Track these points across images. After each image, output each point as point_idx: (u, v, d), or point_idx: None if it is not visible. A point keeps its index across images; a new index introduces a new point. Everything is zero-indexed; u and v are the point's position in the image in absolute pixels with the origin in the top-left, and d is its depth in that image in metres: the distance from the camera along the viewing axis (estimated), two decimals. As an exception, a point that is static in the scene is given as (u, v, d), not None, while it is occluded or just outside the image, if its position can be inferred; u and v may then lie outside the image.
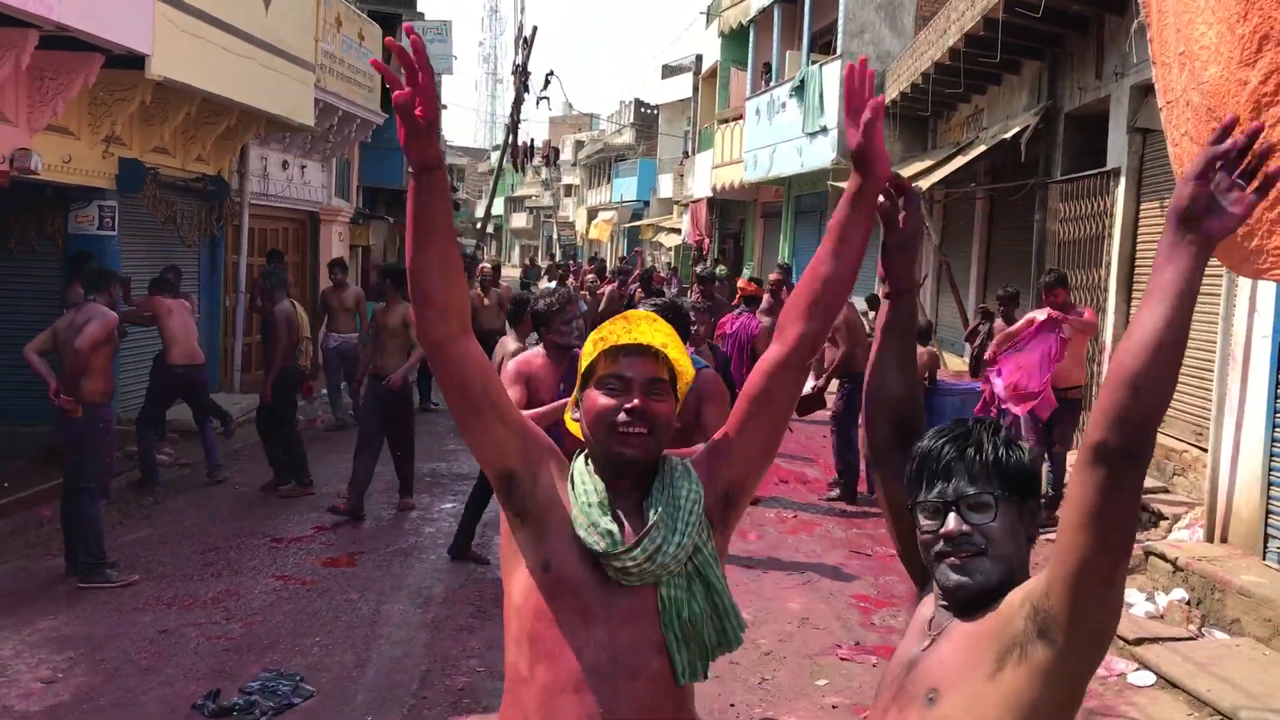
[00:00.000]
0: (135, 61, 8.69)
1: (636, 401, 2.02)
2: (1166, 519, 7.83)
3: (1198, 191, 1.52)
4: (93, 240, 10.16)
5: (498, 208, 57.95)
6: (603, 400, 2.04)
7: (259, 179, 13.98)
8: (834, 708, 5.21)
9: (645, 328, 2.09)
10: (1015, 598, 1.65)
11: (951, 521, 1.72)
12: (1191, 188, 1.53)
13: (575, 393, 2.17)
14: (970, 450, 1.75)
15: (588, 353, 2.12)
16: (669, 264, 32.61)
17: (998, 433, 1.79)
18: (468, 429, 2.04)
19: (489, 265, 16.42)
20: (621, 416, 2.01)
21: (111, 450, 7.02)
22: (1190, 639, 5.99)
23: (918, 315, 2.13)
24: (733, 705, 5.23)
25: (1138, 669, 5.71)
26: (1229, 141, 1.52)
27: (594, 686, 1.93)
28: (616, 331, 2.09)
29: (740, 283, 11.82)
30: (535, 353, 5.55)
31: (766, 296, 11.42)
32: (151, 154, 10.82)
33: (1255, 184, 1.52)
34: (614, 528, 1.96)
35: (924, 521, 1.77)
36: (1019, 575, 1.71)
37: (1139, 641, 5.91)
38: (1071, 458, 9.45)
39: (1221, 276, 7.24)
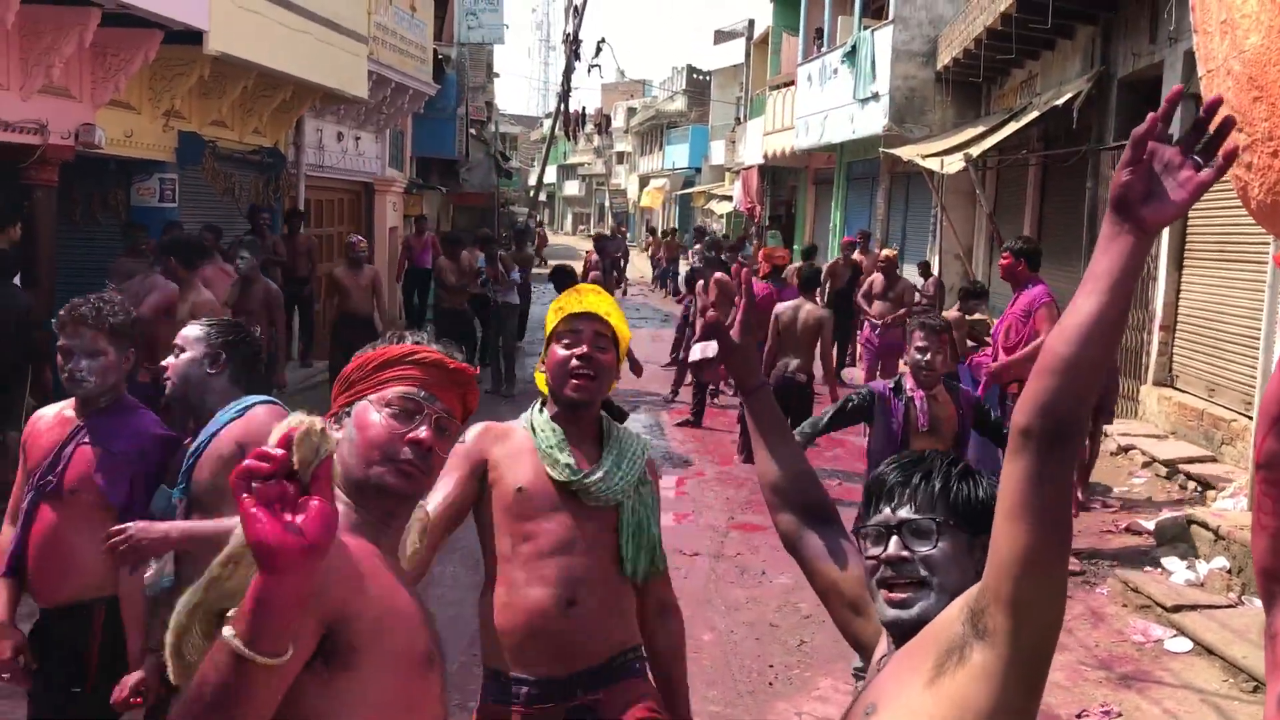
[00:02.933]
0: (194, 37, 8.89)
1: (585, 348, 2.66)
2: (1213, 489, 7.83)
3: (1130, 179, 1.45)
4: (154, 212, 10.43)
5: (550, 175, 58.11)
6: (560, 351, 2.70)
7: (314, 151, 14.22)
8: (871, 670, 5.33)
9: (592, 298, 2.74)
10: (954, 606, 1.55)
11: (892, 545, 1.66)
12: (1124, 175, 1.45)
13: (542, 352, 2.82)
14: (917, 477, 1.70)
15: (550, 320, 2.78)
16: (722, 231, 32.57)
17: (955, 464, 1.74)
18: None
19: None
20: (574, 363, 2.66)
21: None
22: (1229, 606, 6.03)
23: (774, 406, 2.13)
24: (771, 666, 5.38)
25: (1175, 635, 5.76)
26: (1146, 123, 1.46)
27: (565, 551, 2.64)
28: (571, 303, 2.73)
29: (763, 252, 11.19)
30: None
31: (879, 276, 11.21)
32: (210, 127, 11.07)
33: (1210, 167, 1.44)
34: (570, 460, 2.66)
35: (869, 548, 1.71)
36: None
37: (1177, 609, 5.96)
38: (1110, 429, 9.42)
39: (1269, 244, 7.19)
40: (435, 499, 2.60)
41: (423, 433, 1.73)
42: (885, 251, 12.36)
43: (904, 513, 1.67)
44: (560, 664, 2.65)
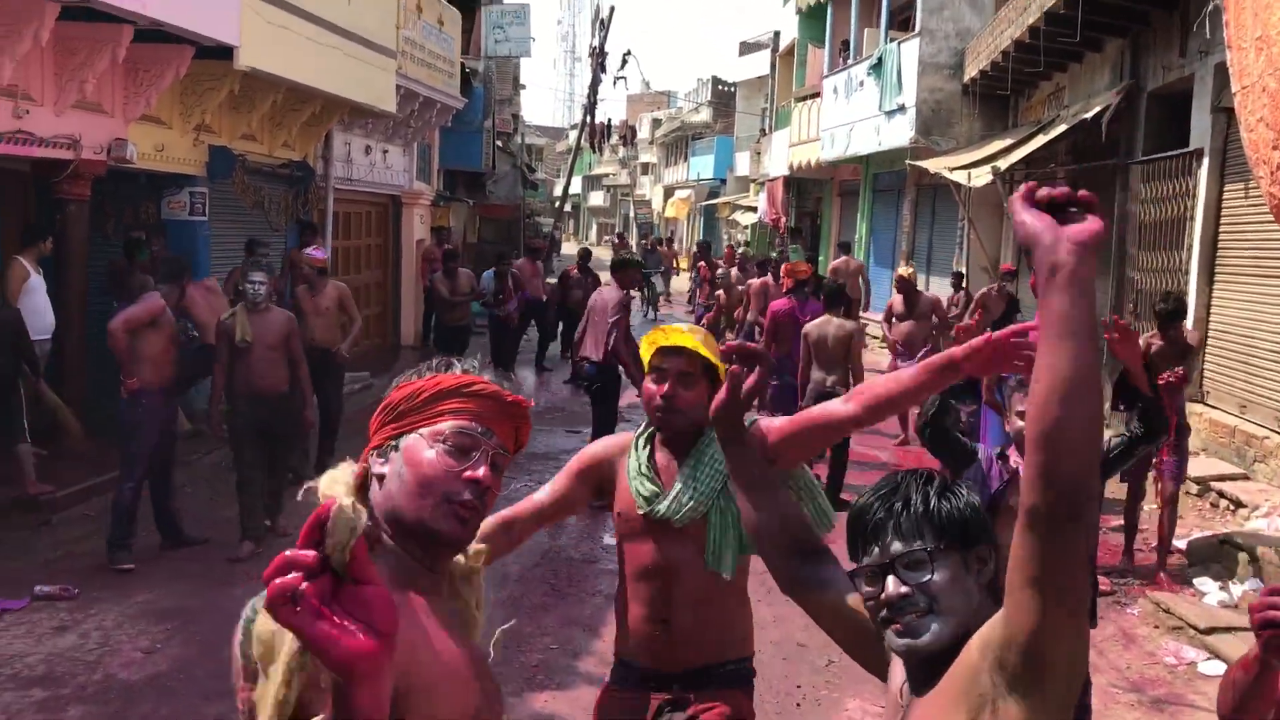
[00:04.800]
0: (224, 53, 8.98)
1: (667, 386, 2.83)
2: (1245, 506, 7.74)
3: (1028, 232, 1.37)
4: (185, 225, 10.53)
5: (575, 186, 58.21)
6: (650, 386, 2.89)
7: (343, 164, 14.31)
8: (899, 690, 5.29)
9: (677, 335, 2.89)
10: (973, 649, 1.53)
11: (890, 585, 1.62)
12: (1021, 231, 1.39)
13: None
14: (898, 505, 1.66)
15: (643, 352, 2.97)
16: (746, 242, 32.53)
17: (930, 482, 1.69)
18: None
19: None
20: (657, 401, 2.85)
21: (146, 439, 6.73)
22: (1264, 629, 5.94)
23: (754, 457, 2.12)
24: (799, 687, 5.35)
25: (1208, 658, 5.69)
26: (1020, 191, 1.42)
27: (656, 576, 2.87)
28: (658, 337, 2.91)
29: (785, 267, 10.98)
30: None
31: (898, 297, 10.91)
32: (240, 141, 11.17)
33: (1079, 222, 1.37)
34: (647, 490, 2.86)
35: (865, 589, 1.67)
36: (974, 626, 1.57)
37: (1210, 630, 5.89)
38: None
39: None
40: (544, 490, 2.98)
41: (481, 471, 1.61)
42: (900, 270, 12.11)
43: (895, 547, 1.63)
44: (662, 663, 2.92)
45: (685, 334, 2.89)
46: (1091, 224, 1.37)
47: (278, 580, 1.14)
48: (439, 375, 1.68)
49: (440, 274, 13.06)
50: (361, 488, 1.61)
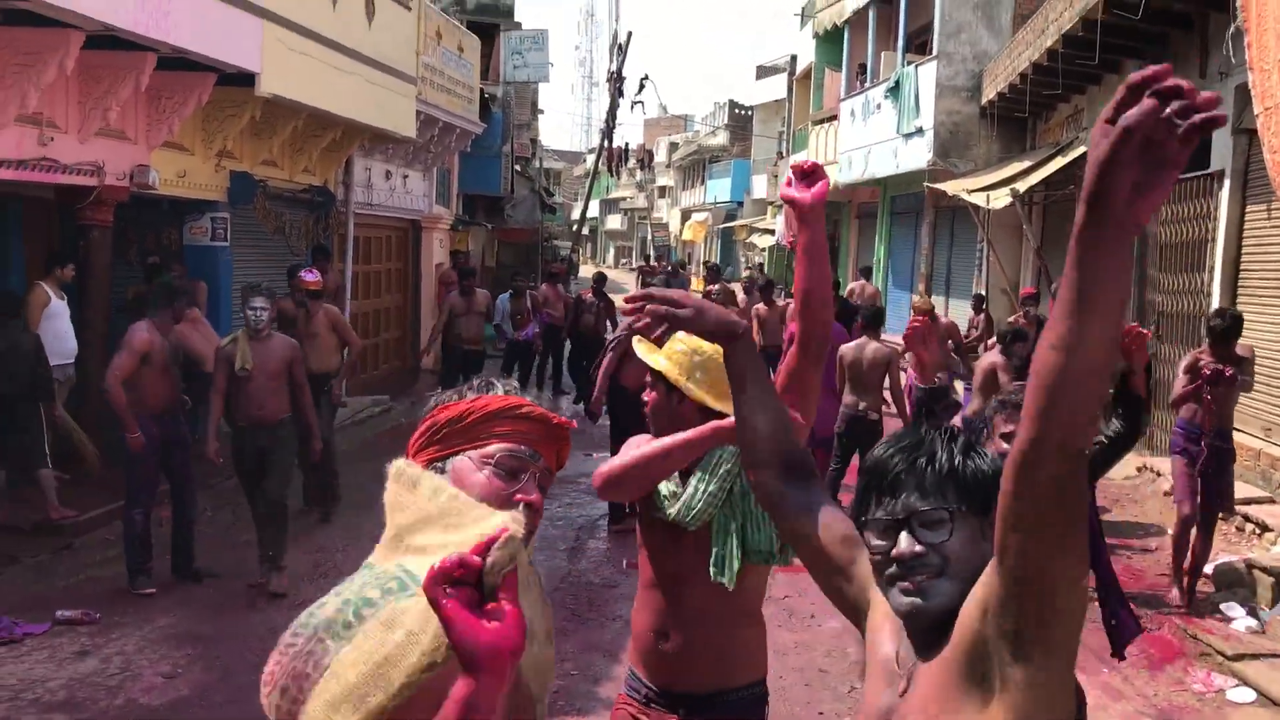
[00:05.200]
0: (246, 80, 9.06)
1: (651, 393, 2.88)
2: (1271, 530, 7.65)
3: (1123, 159, 1.18)
4: (207, 251, 10.60)
5: (593, 210, 58.41)
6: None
7: (363, 189, 14.39)
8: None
9: (648, 350, 2.86)
10: (972, 613, 1.48)
11: (904, 542, 1.54)
12: (1110, 152, 1.19)
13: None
14: (922, 460, 1.57)
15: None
16: (760, 265, 32.53)
17: (955, 440, 1.61)
18: None
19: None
20: (648, 407, 2.90)
21: (146, 467, 6.74)
22: (1293, 655, 5.87)
23: (757, 356, 2.04)
24: (821, 714, 5.30)
25: (1237, 685, 5.61)
26: (1153, 71, 1.18)
27: (662, 583, 2.85)
28: (641, 348, 2.91)
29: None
30: None
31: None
32: (261, 167, 11.25)
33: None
34: (666, 489, 2.83)
35: (874, 541, 1.60)
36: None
37: (1239, 657, 5.82)
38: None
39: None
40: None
41: (535, 496, 1.64)
42: (916, 301, 12.02)
43: (914, 502, 1.55)
44: (666, 681, 2.86)
45: (655, 350, 2.89)
46: (1158, 196, 1.20)
47: (443, 564, 1.25)
48: (486, 397, 1.69)
49: (454, 294, 12.98)
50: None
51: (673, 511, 2.80)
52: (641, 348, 2.90)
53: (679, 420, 2.79)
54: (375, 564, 1.59)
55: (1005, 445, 3.78)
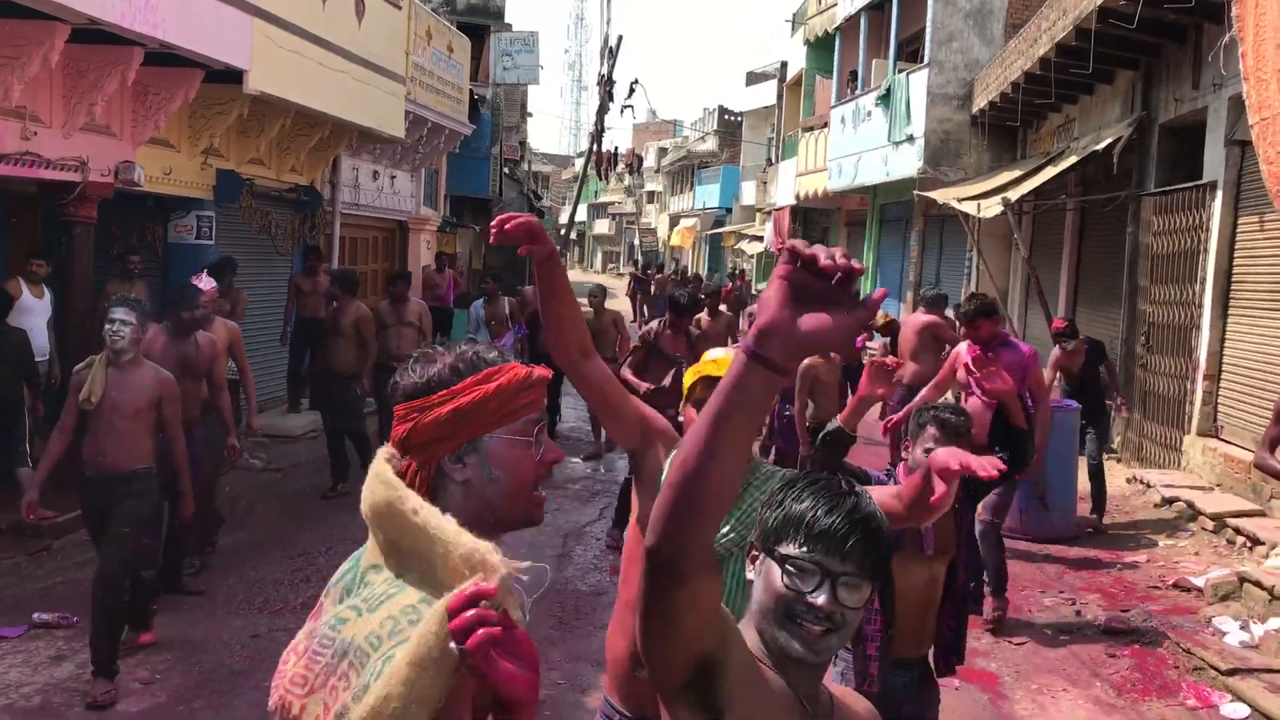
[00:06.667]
0: (234, 76, 8.95)
1: None
2: (1263, 544, 7.61)
3: (763, 298, 1.30)
4: (191, 249, 10.48)
5: (581, 214, 58.38)
6: (693, 415, 2.80)
7: (350, 189, 14.29)
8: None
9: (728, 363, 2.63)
10: None
11: (825, 597, 1.62)
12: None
13: (682, 402, 2.96)
14: (857, 537, 1.64)
15: (690, 377, 2.90)
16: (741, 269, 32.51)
17: (877, 518, 1.69)
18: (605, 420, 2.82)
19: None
20: None
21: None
22: (1287, 670, 5.82)
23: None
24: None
25: (1231, 700, 5.56)
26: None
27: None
28: (709, 367, 2.84)
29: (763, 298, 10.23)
30: None
31: (884, 342, 10.42)
32: (248, 165, 11.13)
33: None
34: None
35: (788, 578, 1.64)
36: None
37: (1232, 672, 5.75)
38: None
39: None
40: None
41: (556, 454, 1.73)
42: (881, 315, 11.15)
43: (846, 567, 1.64)
44: (641, 711, 2.73)
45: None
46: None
47: (472, 613, 1.28)
48: (503, 376, 1.65)
49: (385, 301, 10.49)
50: (426, 492, 1.58)
51: None
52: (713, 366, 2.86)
53: None
54: (384, 579, 1.54)
55: (923, 457, 3.67)
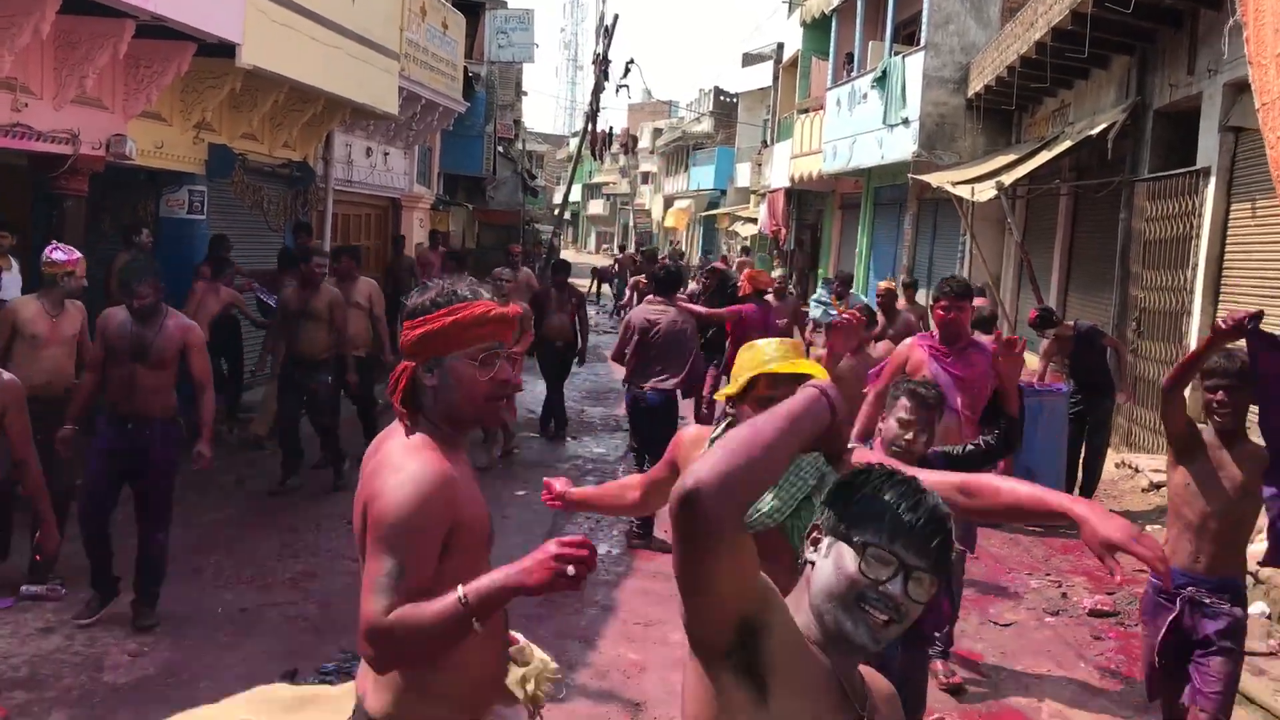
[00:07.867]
0: (226, 50, 8.90)
1: None
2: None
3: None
4: (183, 224, 10.45)
5: (575, 194, 58.27)
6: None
7: (343, 165, 14.24)
8: None
9: (806, 364, 2.77)
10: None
11: (896, 586, 1.66)
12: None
13: (733, 391, 2.85)
14: (938, 540, 1.70)
15: (747, 364, 2.80)
16: (745, 249, 32.44)
17: (950, 514, 1.74)
18: None
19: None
20: None
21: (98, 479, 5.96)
22: (1270, 654, 5.87)
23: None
24: None
25: (1214, 683, 5.59)
26: None
27: None
28: (778, 359, 2.77)
29: (746, 273, 10.04)
30: None
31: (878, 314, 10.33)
32: (240, 140, 11.09)
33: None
34: None
35: (866, 565, 1.68)
36: None
37: (1216, 654, 5.78)
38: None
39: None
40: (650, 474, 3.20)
41: (510, 375, 2.32)
42: (881, 284, 11.40)
43: (921, 562, 1.69)
44: None
45: (805, 361, 2.78)
46: None
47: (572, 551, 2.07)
48: (465, 310, 2.24)
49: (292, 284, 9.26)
50: (410, 387, 2.31)
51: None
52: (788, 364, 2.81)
53: None
54: None
55: (894, 425, 3.92)
